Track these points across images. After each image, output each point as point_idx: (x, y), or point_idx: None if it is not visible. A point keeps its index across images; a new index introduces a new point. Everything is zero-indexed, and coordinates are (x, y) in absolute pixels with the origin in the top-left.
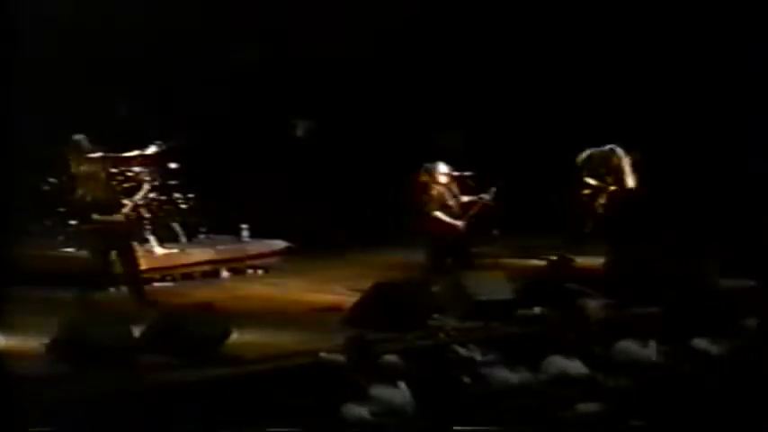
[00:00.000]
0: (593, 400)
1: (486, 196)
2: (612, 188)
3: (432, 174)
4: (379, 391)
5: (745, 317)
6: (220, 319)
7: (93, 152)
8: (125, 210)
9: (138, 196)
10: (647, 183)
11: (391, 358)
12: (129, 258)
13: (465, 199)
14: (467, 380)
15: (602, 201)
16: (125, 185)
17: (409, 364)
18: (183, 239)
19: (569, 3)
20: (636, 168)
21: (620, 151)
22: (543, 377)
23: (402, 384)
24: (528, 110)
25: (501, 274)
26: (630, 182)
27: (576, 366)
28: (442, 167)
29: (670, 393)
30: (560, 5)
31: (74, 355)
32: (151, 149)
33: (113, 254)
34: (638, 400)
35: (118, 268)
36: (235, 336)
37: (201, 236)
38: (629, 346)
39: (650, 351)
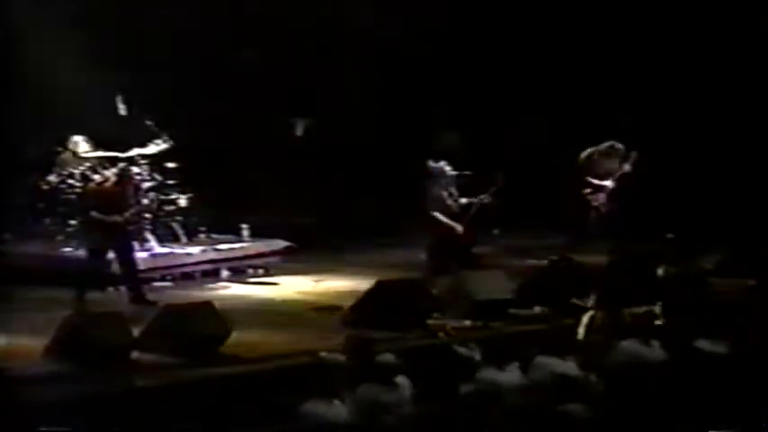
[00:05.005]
0: (593, 401)
1: (484, 197)
2: (613, 187)
3: (430, 173)
4: (379, 390)
5: (745, 317)
6: (220, 319)
7: (93, 151)
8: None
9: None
10: (648, 181)
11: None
12: (129, 258)
13: (464, 200)
14: (466, 379)
15: (602, 200)
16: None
17: (409, 363)
18: (183, 239)
19: (570, 3)
20: (636, 167)
21: (620, 150)
22: (541, 377)
23: (401, 383)
24: (528, 109)
25: (501, 274)
26: (631, 181)
27: (573, 367)
28: (442, 167)
29: (669, 393)
30: (561, 5)
31: (74, 355)
32: (151, 149)
33: (112, 253)
34: (638, 401)
35: (117, 268)
36: (235, 336)
37: (201, 236)
38: (628, 346)
39: (650, 351)
